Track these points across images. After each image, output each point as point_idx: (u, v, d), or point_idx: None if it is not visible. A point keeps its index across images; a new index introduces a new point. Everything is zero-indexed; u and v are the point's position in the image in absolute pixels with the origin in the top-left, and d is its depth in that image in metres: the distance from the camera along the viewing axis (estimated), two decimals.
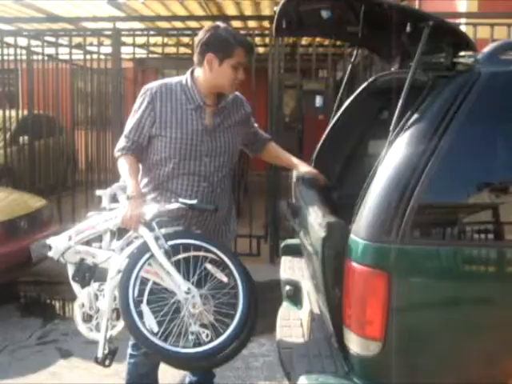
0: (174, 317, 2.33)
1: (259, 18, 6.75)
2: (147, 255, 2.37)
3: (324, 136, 3.11)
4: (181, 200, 2.48)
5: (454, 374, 1.96)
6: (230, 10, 6.86)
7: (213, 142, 2.64)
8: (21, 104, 7.99)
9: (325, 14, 2.44)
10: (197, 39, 2.61)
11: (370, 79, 3.04)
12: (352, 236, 1.93)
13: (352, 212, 2.01)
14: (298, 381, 2.03)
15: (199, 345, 2.31)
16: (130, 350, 2.79)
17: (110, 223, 2.52)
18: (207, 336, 2.34)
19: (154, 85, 2.66)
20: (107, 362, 2.50)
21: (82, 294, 2.53)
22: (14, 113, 7.07)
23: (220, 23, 2.64)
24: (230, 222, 2.88)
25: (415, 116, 1.98)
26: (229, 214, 2.85)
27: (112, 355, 2.50)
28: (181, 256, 2.41)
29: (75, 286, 2.55)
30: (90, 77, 7.11)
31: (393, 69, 2.90)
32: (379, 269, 1.86)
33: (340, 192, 3.15)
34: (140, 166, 2.70)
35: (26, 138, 7.05)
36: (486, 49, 2.12)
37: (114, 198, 2.64)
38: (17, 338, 4.07)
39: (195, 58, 2.64)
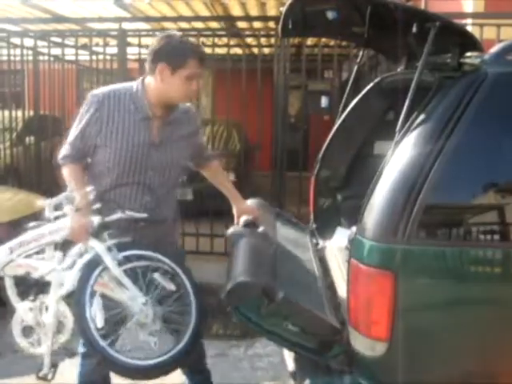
0: (120, 327, 2.34)
1: (265, 18, 6.74)
2: (100, 268, 2.31)
3: (330, 137, 3.12)
4: (127, 212, 2.42)
5: (460, 374, 1.95)
6: (236, 11, 6.86)
7: (159, 155, 2.55)
8: (27, 104, 8.01)
9: (330, 14, 2.44)
10: (149, 47, 2.48)
11: (376, 80, 3.04)
12: (358, 236, 1.93)
13: (357, 212, 2.01)
14: (304, 382, 2.04)
15: (147, 357, 2.30)
16: (80, 360, 2.75)
17: (56, 235, 2.41)
18: (155, 344, 2.33)
19: (101, 92, 2.55)
20: (50, 376, 2.45)
21: (23, 308, 2.44)
22: (20, 113, 7.09)
23: (174, 33, 2.55)
24: (175, 235, 2.84)
25: (422, 117, 1.98)
26: (173, 226, 2.78)
27: (55, 368, 2.45)
28: (129, 266, 2.37)
29: (14, 300, 2.47)
30: (96, 77, 7.12)
31: (399, 69, 2.89)
32: (385, 269, 1.86)
33: (346, 193, 3.15)
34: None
35: (31, 138, 7.07)
36: (493, 49, 2.11)
37: (58, 208, 2.50)
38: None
39: (147, 66, 2.50)
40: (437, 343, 1.90)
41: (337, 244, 2.89)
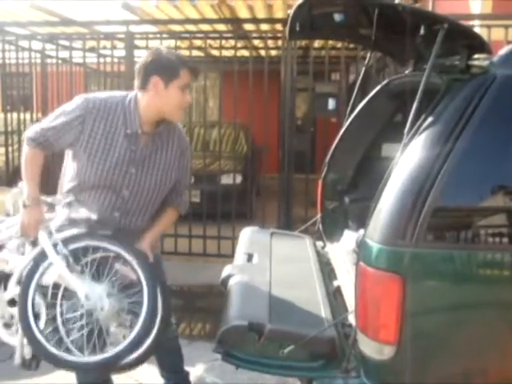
0: (87, 321, 2.32)
1: (272, 20, 6.75)
2: (46, 262, 2.33)
3: (337, 139, 3.11)
4: (93, 217, 2.41)
5: (469, 378, 1.94)
6: (243, 13, 6.86)
7: (138, 175, 2.49)
8: (35, 107, 8.05)
9: (338, 17, 2.44)
10: (139, 63, 2.45)
11: (384, 82, 3.03)
12: (366, 239, 1.92)
13: (365, 215, 2.00)
14: None
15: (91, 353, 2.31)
16: None
17: (11, 230, 2.45)
18: (124, 337, 2.32)
19: (93, 99, 2.49)
20: (33, 365, 2.48)
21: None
22: (28, 116, 7.13)
23: (162, 47, 2.55)
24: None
25: (430, 119, 1.97)
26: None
27: (38, 359, 2.47)
28: (89, 258, 2.37)
29: None
30: (104, 80, 7.15)
31: (406, 71, 2.89)
32: (393, 272, 1.85)
33: (353, 195, 3.15)
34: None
35: None
36: (502, 51, 2.10)
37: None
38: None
39: (136, 83, 2.47)
40: (445, 347, 1.89)
41: (345, 247, 2.88)
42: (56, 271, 2.34)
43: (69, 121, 2.45)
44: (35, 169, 2.49)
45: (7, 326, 2.51)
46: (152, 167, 2.53)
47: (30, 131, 2.51)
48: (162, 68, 2.40)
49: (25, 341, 2.41)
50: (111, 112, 2.47)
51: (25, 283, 2.33)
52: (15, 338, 2.48)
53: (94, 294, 2.30)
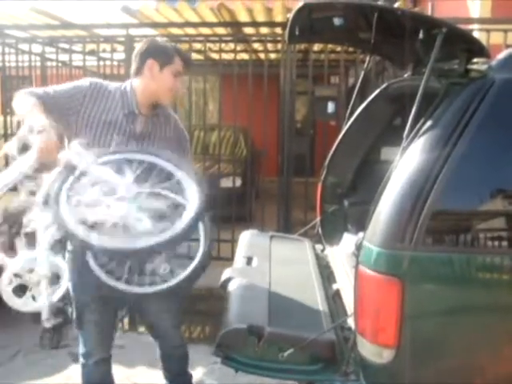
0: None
1: (271, 24, 6.75)
2: (75, 174, 2.20)
3: (337, 142, 3.12)
4: None
5: (468, 382, 1.94)
6: (243, 17, 6.86)
7: (139, 146, 2.55)
8: None
9: (337, 21, 2.45)
10: (135, 50, 2.58)
11: (383, 86, 3.04)
12: (365, 243, 1.93)
13: (364, 219, 2.01)
14: None
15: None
16: (81, 360, 2.70)
17: (21, 166, 2.18)
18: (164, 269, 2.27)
19: (95, 81, 2.61)
20: (54, 341, 2.30)
21: (14, 264, 2.20)
22: None
23: (157, 38, 2.68)
24: None
25: (429, 123, 1.98)
26: None
27: (58, 335, 2.29)
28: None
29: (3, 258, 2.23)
30: None
31: (406, 75, 2.90)
32: (392, 276, 1.85)
33: (353, 199, 3.15)
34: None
35: None
36: (500, 55, 2.11)
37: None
38: (30, 343, 4.09)
39: (133, 69, 2.60)
40: (444, 350, 1.89)
41: (344, 250, 2.89)
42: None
43: (70, 89, 2.53)
44: (36, 105, 2.36)
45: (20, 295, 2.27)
46: (152, 142, 2.60)
47: (32, 90, 2.47)
48: (158, 53, 2.54)
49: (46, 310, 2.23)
50: (110, 95, 2.58)
51: (55, 191, 2.15)
52: (32, 304, 2.27)
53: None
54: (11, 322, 4.44)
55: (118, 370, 3.62)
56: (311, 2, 2.34)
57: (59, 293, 2.27)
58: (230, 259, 5.10)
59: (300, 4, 2.34)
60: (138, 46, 2.59)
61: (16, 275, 2.23)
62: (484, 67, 2.14)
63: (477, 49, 2.17)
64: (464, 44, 2.17)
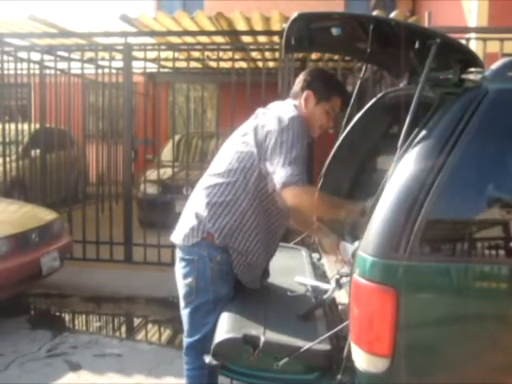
0: None
1: (269, 33, 6.78)
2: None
3: (333, 151, 3.12)
4: None
5: None
6: (240, 25, 6.88)
7: None
8: (33, 117, 8.07)
9: (335, 31, 2.46)
10: (301, 75, 2.65)
11: (379, 95, 3.05)
12: (360, 252, 1.93)
13: (360, 227, 2.01)
14: None
15: None
16: (185, 366, 2.61)
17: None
18: None
19: (298, 115, 2.48)
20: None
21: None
22: (26, 126, 7.14)
23: (327, 69, 2.68)
24: None
25: (423, 132, 1.99)
26: None
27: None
28: None
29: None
30: (102, 91, 7.18)
31: (401, 84, 2.90)
32: (387, 285, 1.85)
33: None
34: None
35: (37, 151, 7.12)
36: (494, 65, 2.12)
37: None
38: (26, 351, 4.08)
39: (293, 90, 2.67)
40: (439, 360, 1.89)
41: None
42: None
43: (302, 143, 2.42)
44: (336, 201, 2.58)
45: None
46: None
47: (283, 177, 2.32)
48: (318, 87, 2.59)
49: None
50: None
51: None
52: None
53: None
54: (7, 330, 4.45)
55: (115, 379, 3.63)
56: (305, 13, 2.35)
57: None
58: None
59: (294, 14, 2.35)
60: (307, 71, 2.65)
61: None
62: (478, 77, 2.15)
63: (471, 59, 2.19)
64: (458, 54, 2.18)
